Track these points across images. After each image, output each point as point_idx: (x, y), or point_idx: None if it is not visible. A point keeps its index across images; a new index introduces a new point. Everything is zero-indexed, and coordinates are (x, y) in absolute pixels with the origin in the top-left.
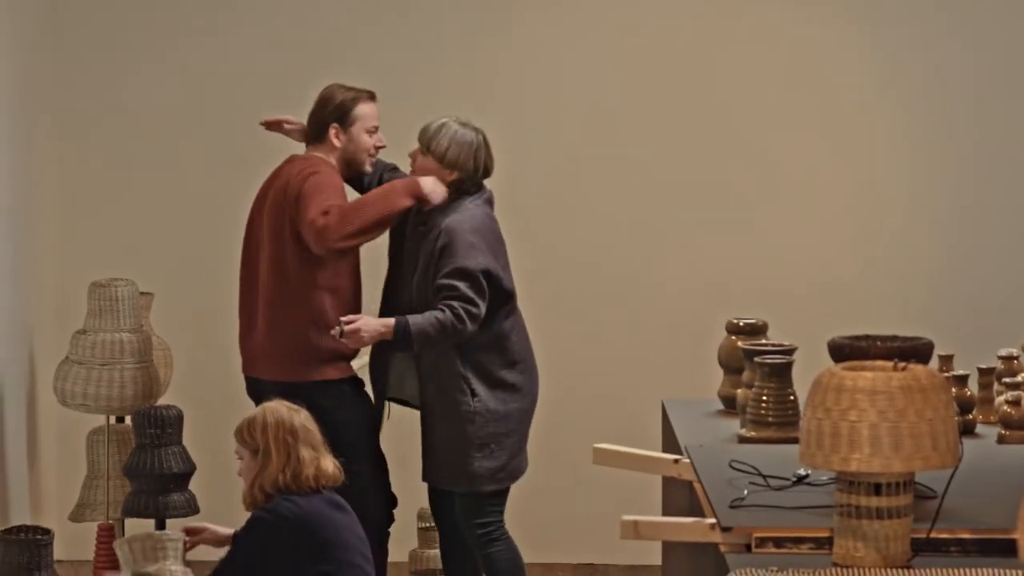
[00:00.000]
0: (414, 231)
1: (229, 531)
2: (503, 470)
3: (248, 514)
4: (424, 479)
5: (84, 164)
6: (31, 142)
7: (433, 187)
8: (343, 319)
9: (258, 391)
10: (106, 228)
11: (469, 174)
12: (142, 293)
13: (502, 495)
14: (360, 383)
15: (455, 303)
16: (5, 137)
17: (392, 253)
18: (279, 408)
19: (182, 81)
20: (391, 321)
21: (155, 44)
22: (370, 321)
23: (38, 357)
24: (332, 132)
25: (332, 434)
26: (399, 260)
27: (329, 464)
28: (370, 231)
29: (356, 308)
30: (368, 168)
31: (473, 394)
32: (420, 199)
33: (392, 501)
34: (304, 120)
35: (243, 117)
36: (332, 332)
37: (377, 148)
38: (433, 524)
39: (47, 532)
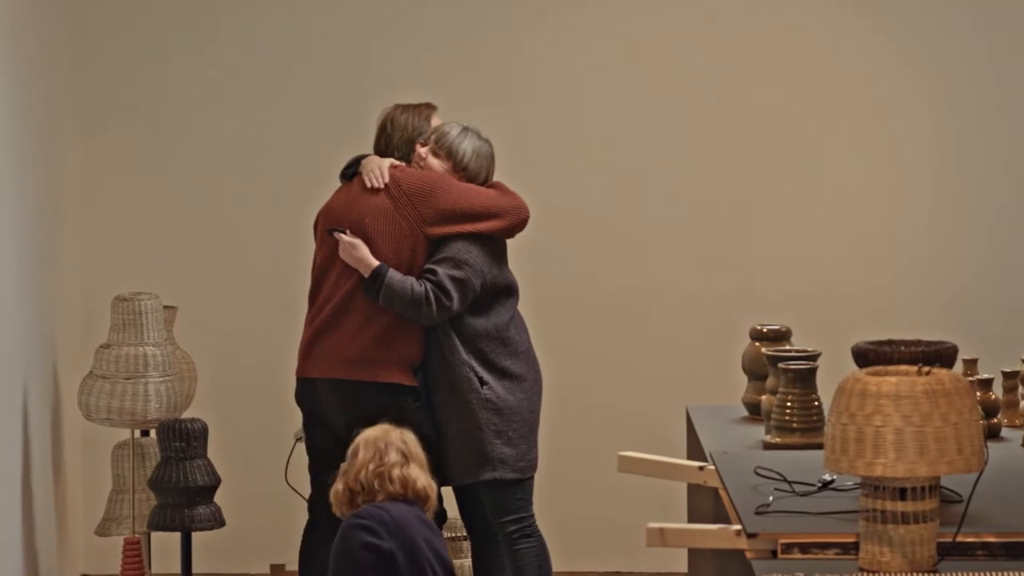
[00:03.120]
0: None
1: None
2: (523, 459)
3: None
4: (446, 483)
5: (108, 178)
6: (55, 156)
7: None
8: (347, 231)
9: (314, 394)
10: (130, 242)
11: (476, 183)
12: (166, 307)
13: (527, 487)
14: (421, 395)
15: (430, 284)
16: (30, 151)
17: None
18: (384, 424)
19: (203, 94)
20: (375, 262)
21: (177, 57)
22: (362, 249)
23: (62, 371)
24: (419, 147)
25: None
26: None
27: (420, 477)
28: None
29: None
30: None
31: (482, 382)
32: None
33: (441, 516)
34: None
35: (268, 130)
36: (335, 232)
37: None
38: (463, 534)
39: None
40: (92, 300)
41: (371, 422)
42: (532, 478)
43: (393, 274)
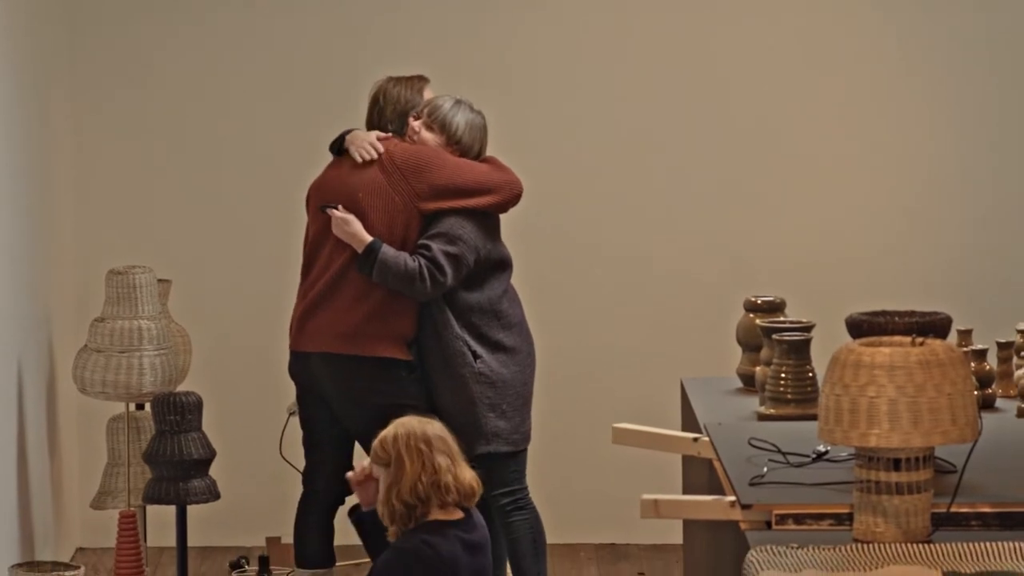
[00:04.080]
0: None
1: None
2: (517, 432)
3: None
4: None
5: (101, 152)
6: (49, 132)
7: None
8: (340, 206)
9: (307, 367)
10: (124, 216)
11: (470, 156)
12: (160, 280)
13: (520, 459)
14: (416, 368)
15: (423, 260)
16: (22, 127)
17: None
18: (410, 420)
19: (200, 68)
20: (368, 237)
21: (170, 31)
22: (355, 225)
23: (57, 345)
24: (411, 121)
25: (385, 414)
26: None
27: (467, 474)
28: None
29: None
30: None
31: (476, 356)
32: None
33: None
34: None
35: (264, 104)
36: (327, 208)
37: None
38: None
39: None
40: (87, 274)
41: (364, 397)
42: (525, 450)
43: (387, 250)
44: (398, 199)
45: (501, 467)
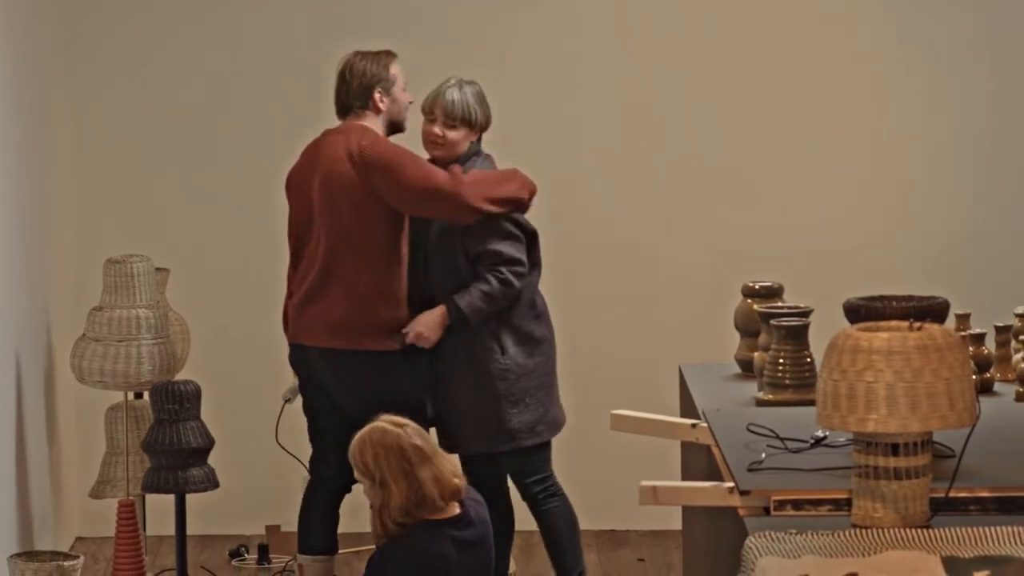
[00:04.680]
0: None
1: None
2: (541, 422)
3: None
4: (453, 449)
5: (99, 142)
6: (47, 120)
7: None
8: (403, 331)
9: (306, 360)
10: (121, 205)
11: (488, 126)
12: (158, 269)
13: (546, 448)
14: (410, 353)
15: (501, 268)
16: (21, 116)
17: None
18: (386, 430)
19: (199, 57)
20: (443, 309)
21: (167, 22)
22: (425, 320)
23: (55, 335)
24: (377, 96)
25: (384, 404)
26: (412, 232)
27: (447, 472)
28: (500, 206)
29: (411, 275)
30: (407, 125)
31: (503, 351)
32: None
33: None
34: None
35: (259, 92)
36: (404, 339)
37: (408, 103)
38: None
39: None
40: (85, 263)
41: (361, 389)
42: (551, 439)
43: (461, 301)
44: (365, 194)
45: (528, 458)
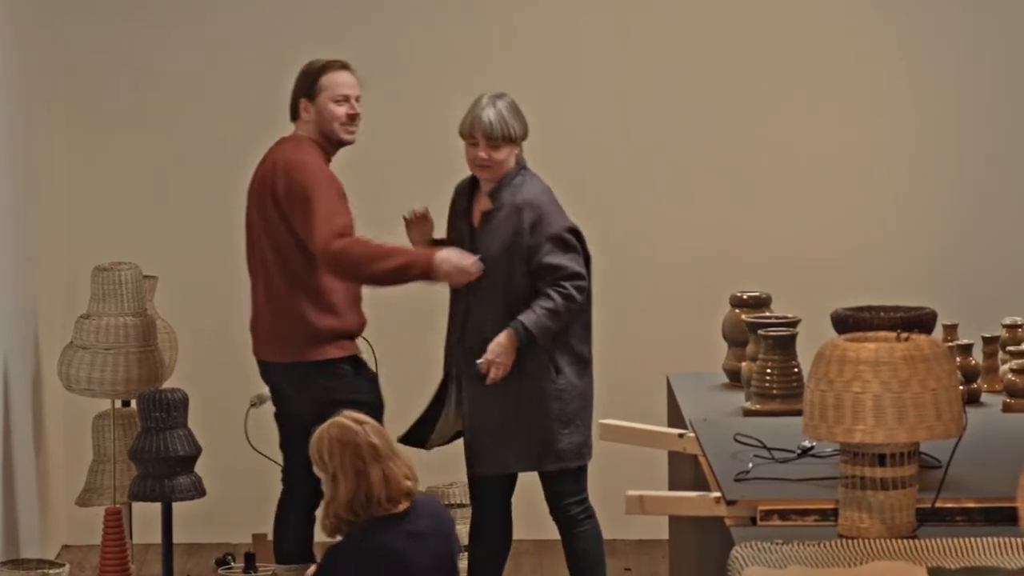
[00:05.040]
0: (462, 211)
1: None
2: (586, 445)
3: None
4: (482, 468)
5: (88, 149)
6: (36, 127)
7: (456, 268)
8: (478, 362)
9: (268, 373)
10: (109, 212)
11: (525, 139)
12: (146, 276)
13: (585, 470)
14: (362, 362)
15: (563, 283)
16: (9, 123)
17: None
18: (345, 426)
19: (185, 65)
20: (510, 333)
21: (159, 27)
22: (495, 348)
23: (43, 342)
24: (301, 106)
25: (333, 414)
26: (451, 240)
27: (399, 475)
28: (371, 283)
29: (357, 284)
30: (347, 138)
31: (558, 371)
32: (432, 279)
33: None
34: None
35: (246, 100)
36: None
37: (351, 117)
38: (443, 503)
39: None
40: (72, 271)
41: (316, 398)
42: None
43: (527, 321)
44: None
45: (572, 479)
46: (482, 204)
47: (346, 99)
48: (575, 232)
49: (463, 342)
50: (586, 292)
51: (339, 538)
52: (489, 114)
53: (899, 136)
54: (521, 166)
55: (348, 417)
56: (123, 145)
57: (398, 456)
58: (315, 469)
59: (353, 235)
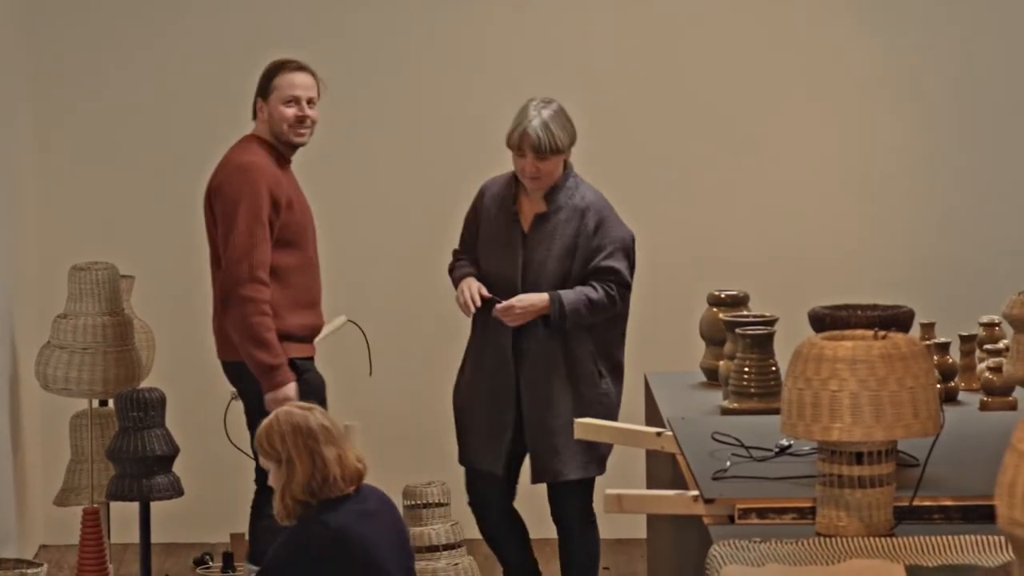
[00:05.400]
0: (507, 215)
1: None
2: (609, 455)
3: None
4: (539, 479)
5: (63, 148)
6: (10, 127)
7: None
8: (499, 305)
9: (227, 372)
10: (86, 212)
11: (573, 144)
12: (123, 276)
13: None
14: (306, 368)
15: (612, 286)
16: None
17: (473, 238)
18: (293, 412)
19: (161, 66)
20: (546, 296)
21: (134, 28)
22: (525, 298)
23: (19, 342)
24: (257, 105)
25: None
26: (505, 253)
27: (351, 457)
28: (237, 342)
29: (304, 286)
30: (296, 140)
31: (601, 375)
32: (264, 381)
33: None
34: None
35: (222, 101)
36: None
37: (299, 119)
38: (423, 502)
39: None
40: (49, 270)
41: (257, 398)
42: None
43: (566, 296)
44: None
45: (590, 486)
46: (535, 207)
47: (296, 101)
48: (634, 242)
49: (518, 345)
50: (627, 303)
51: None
52: (536, 128)
53: (877, 138)
54: (569, 175)
55: (295, 406)
56: (100, 144)
57: (347, 440)
58: (262, 462)
59: (267, 283)
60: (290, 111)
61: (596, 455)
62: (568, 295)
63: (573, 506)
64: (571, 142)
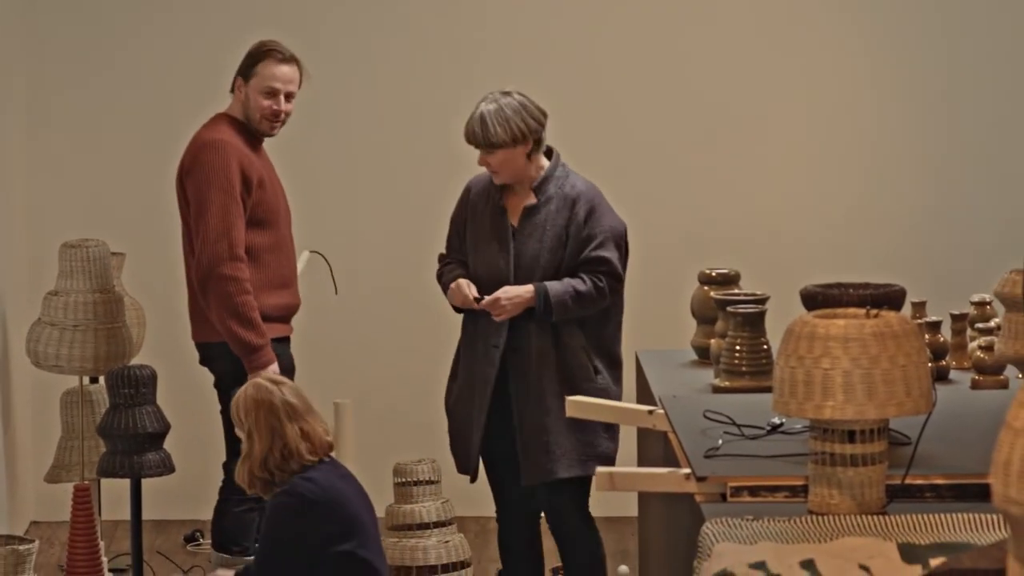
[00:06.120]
0: (494, 210)
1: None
2: (616, 449)
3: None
4: (531, 480)
5: (54, 125)
6: (1, 105)
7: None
8: (484, 300)
9: (200, 354)
10: (76, 189)
11: (542, 132)
12: (114, 253)
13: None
14: (279, 345)
15: (602, 277)
16: None
17: (461, 237)
18: (261, 385)
19: (152, 42)
20: (531, 288)
21: (125, 6)
22: (510, 290)
23: (10, 319)
24: (237, 83)
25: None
26: (494, 248)
27: (319, 431)
28: (216, 321)
29: (276, 266)
30: (267, 132)
31: (596, 371)
32: (247, 360)
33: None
34: None
35: (212, 77)
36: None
37: (274, 112)
38: (414, 479)
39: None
40: (40, 248)
41: (226, 382)
42: None
43: (552, 288)
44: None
45: (587, 486)
46: (522, 200)
47: (274, 93)
48: (626, 232)
49: (511, 344)
50: (618, 294)
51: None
52: (473, 124)
53: (868, 114)
54: (557, 159)
55: (265, 378)
56: (89, 121)
57: (316, 415)
58: (236, 430)
59: (245, 261)
60: (266, 103)
61: (593, 453)
62: (554, 286)
63: (568, 508)
64: (521, 132)
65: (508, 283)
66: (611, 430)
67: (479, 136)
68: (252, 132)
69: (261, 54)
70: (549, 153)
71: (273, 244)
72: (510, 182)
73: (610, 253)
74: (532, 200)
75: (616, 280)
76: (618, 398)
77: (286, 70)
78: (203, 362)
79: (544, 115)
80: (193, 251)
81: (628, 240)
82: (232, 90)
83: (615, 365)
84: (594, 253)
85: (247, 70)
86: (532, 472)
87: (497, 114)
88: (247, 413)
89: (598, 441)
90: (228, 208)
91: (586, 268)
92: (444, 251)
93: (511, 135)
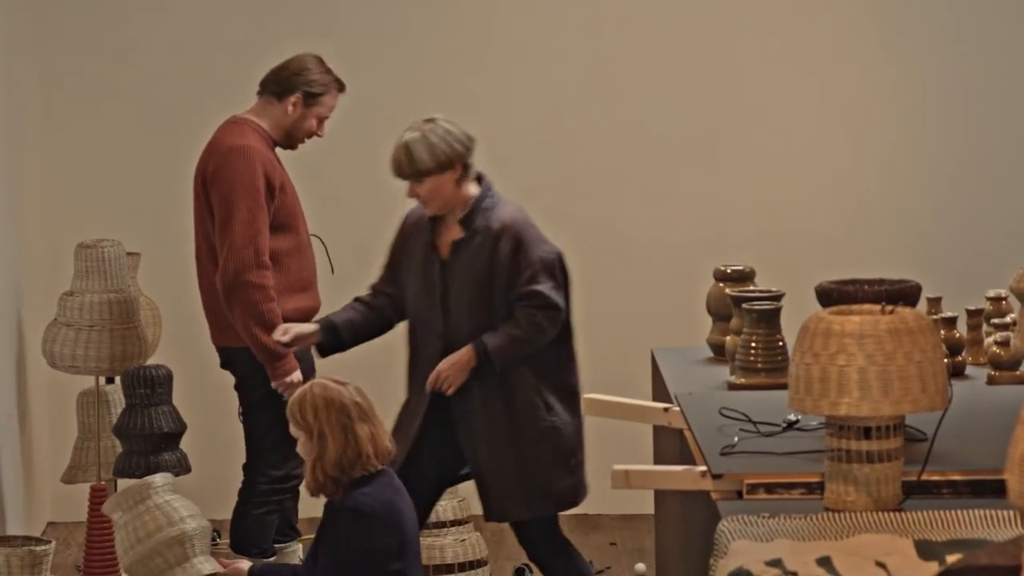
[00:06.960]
0: (425, 245)
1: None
2: (581, 485)
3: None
4: (490, 518)
5: (70, 125)
6: (16, 104)
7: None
8: (430, 381)
9: (223, 359)
10: (92, 189)
11: (469, 157)
12: (129, 253)
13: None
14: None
15: (536, 312)
16: None
17: (393, 268)
18: (328, 386)
19: (170, 41)
20: (469, 350)
21: (144, 4)
22: (449, 360)
23: (26, 320)
24: (292, 100)
25: (265, 397)
26: (423, 283)
27: (384, 436)
28: (239, 326)
29: (298, 270)
30: (296, 146)
31: (548, 407)
32: (271, 367)
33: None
34: None
35: (230, 77)
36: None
37: (314, 136)
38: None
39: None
40: (56, 248)
41: (246, 388)
42: None
43: (490, 343)
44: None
45: (555, 520)
46: (451, 233)
47: (324, 121)
48: (560, 259)
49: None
50: (563, 323)
51: (323, 497)
52: (399, 154)
53: (883, 110)
54: (487, 188)
55: (328, 379)
56: (105, 121)
57: (378, 418)
58: (293, 430)
59: (270, 266)
60: (316, 127)
61: (549, 493)
62: (492, 340)
63: (537, 539)
64: (448, 158)
65: (437, 320)
66: (566, 465)
67: (404, 165)
68: (271, 139)
69: (329, 84)
70: (480, 179)
71: (294, 248)
72: (441, 212)
73: (542, 285)
74: (459, 234)
75: (554, 310)
76: (576, 430)
77: (337, 101)
78: (224, 365)
79: (471, 140)
80: (211, 255)
81: (565, 263)
82: (281, 99)
83: (570, 397)
84: (526, 288)
85: (312, 95)
86: (492, 512)
87: (422, 141)
88: (316, 413)
89: (550, 482)
90: (255, 214)
91: (520, 303)
92: (376, 280)
93: (437, 161)
